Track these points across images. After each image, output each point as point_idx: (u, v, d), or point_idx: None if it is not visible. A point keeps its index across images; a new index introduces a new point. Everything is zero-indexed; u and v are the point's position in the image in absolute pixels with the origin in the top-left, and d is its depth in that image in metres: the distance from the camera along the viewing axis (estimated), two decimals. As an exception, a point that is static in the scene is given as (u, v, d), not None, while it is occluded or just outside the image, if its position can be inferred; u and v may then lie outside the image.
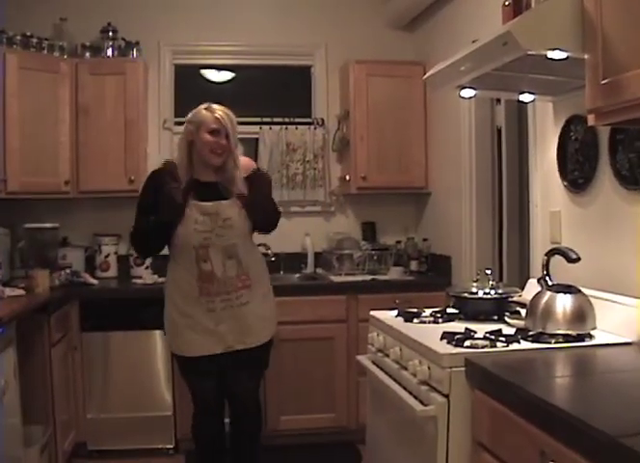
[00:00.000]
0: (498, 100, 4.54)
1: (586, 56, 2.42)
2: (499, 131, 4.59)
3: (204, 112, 3.55)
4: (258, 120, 5.58)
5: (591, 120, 2.42)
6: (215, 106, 3.57)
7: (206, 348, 3.60)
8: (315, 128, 5.61)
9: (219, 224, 3.54)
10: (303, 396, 4.81)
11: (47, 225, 4.93)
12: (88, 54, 5.19)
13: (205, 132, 3.51)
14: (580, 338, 2.66)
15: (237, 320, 3.61)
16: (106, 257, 5.22)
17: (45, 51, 4.99)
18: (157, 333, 4.69)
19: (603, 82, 2.29)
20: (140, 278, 5.08)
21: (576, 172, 3.32)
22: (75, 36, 5.22)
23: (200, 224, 3.53)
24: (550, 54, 2.59)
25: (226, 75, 5.78)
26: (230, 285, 3.59)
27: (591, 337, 2.70)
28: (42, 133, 4.84)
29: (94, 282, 4.91)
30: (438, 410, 2.49)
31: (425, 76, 3.43)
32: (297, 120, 5.65)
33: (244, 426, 3.81)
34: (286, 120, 5.61)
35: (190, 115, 3.61)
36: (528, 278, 3.58)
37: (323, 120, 5.64)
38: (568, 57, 2.58)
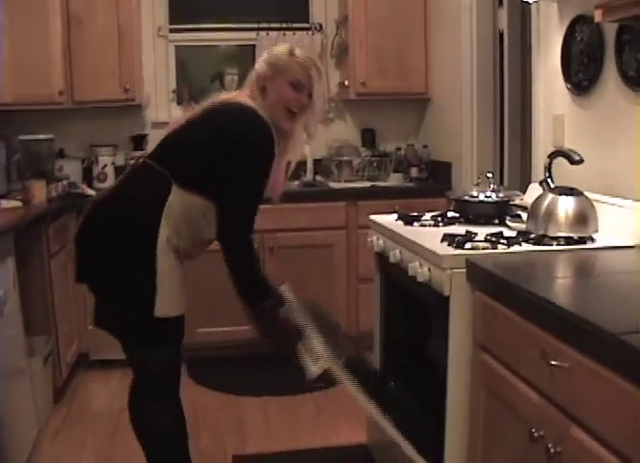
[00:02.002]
0: (500, 2, 4.43)
1: (594, -52, 2.33)
2: (501, 35, 4.49)
3: (287, 57, 2.78)
4: (255, 26, 5.45)
5: (598, 16, 2.36)
6: (299, 52, 2.81)
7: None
8: (313, 34, 5.49)
9: None
10: (303, 304, 4.83)
11: (42, 136, 4.86)
12: (78, -40, 5.03)
13: (286, 82, 2.75)
14: (582, 240, 2.64)
15: None
16: (103, 167, 5.17)
17: (33, -44, 4.84)
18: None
19: (612, -25, 2.21)
20: (137, 188, 5.04)
21: (581, 74, 3.25)
22: (64, -59, 5.05)
23: None
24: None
25: (223, -19, 5.63)
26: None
27: (593, 240, 2.67)
28: (33, 43, 4.72)
29: (92, 192, 4.87)
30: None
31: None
32: (294, 25, 5.51)
33: None
34: (284, 25, 5.48)
35: (266, 54, 2.85)
36: (529, 183, 3.55)
37: (321, 25, 5.51)
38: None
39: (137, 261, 2.67)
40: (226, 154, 2.62)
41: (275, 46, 2.96)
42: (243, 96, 2.78)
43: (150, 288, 2.63)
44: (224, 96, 2.84)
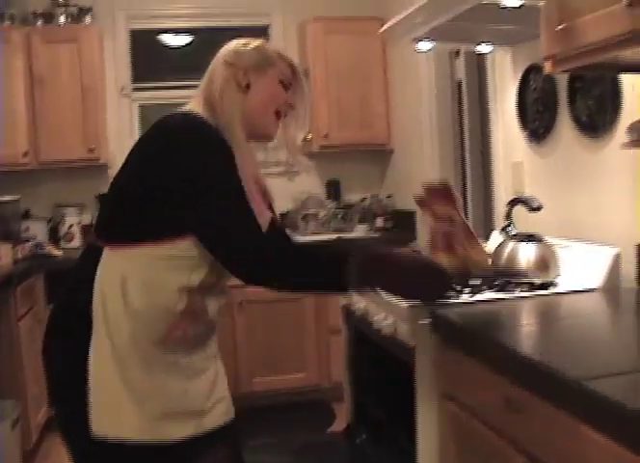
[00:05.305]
0: (457, 53, 4.52)
1: (541, 2, 2.40)
2: (459, 85, 4.58)
3: (273, 53, 2.18)
4: (217, 82, 5.51)
5: (547, 67, 2.40)
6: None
7: None
8: (275, 88, 5.53)
9: None
10: (273, 357, 4.83)
11: (7, 198, 4.85)
12: (40, 22, 5.07)
13: (276, 79, 2.15)
14: (545, 286, 2.66)
15: None
16: (70, 227, 5.17)
17: (-5, 20, 4.89)
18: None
19: (559, 28, 2.27)
20: (105, 247, 5.03)
21: (537, 121, 3.32)
22: (26, 3, 5.11)
23: None
24: (504, 2, 2.57)
25: (184, 39, 5.70)
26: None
27: (555, 284, 2.70)
28: (-3, 105, 4.75)
29: (59, 253, 4.86)
30: (405, 363, 2.49)
31: (381, 30, 3.40)
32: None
33: None
34: (246, 81, 5.53)
35: (243, 48, 2.15)
36: (493, 230, 3.59)
37: (282, 80, 5.57)
38: (522, 5, 2.57)
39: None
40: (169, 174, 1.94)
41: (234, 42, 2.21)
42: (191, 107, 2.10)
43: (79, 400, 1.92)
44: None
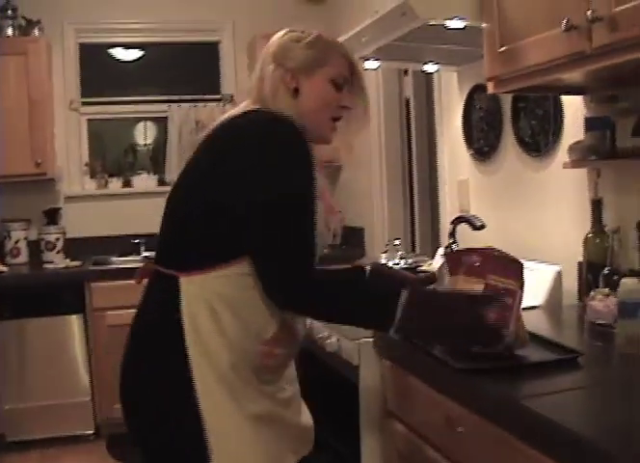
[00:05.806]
0: (406, 72, 4.57)
1: (484, 25, 2.44)
2: (408, 102, 4.62)
3: (328, 50, 1.96)
4: (167, 98, 5.50)
5: (490, 87, 2.45)
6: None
7: None
8: (224, 105, 5.52)
9: None
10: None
11: (-48, 213, 4.80)
12: (-14, 34, 5.03)
13: (326, 81, 1.93)
14: (488, 303, 2.68)
15: None
16: (16, 242, 5.10)
17: (-59, 32, 4.83)
18: (73, 317, 4.62)
19: (501, 50, 2.32)
20: (51, 263, 4.98)
21: (482, 140, 3.37)
22: (-28, 15, 5.05)
23: None
24: (449, 23, 2.61)
25: (135, 53, 5.68)
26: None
27: (498, 302, 2.72)
28: (-59, 118, 4.68)
29: (4, 269, 4.80)
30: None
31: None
32: (206, 96, 5.58)
33: None
34: (195, 97, 5.54)
35: (295, 43, 1.97)
36: (439, 247, 3.62)
37: (232, 96, 5.57)
38: (466, 26, 2.61)
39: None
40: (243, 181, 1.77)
41: (278, 34, 2.02)
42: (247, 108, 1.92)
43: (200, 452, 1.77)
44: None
